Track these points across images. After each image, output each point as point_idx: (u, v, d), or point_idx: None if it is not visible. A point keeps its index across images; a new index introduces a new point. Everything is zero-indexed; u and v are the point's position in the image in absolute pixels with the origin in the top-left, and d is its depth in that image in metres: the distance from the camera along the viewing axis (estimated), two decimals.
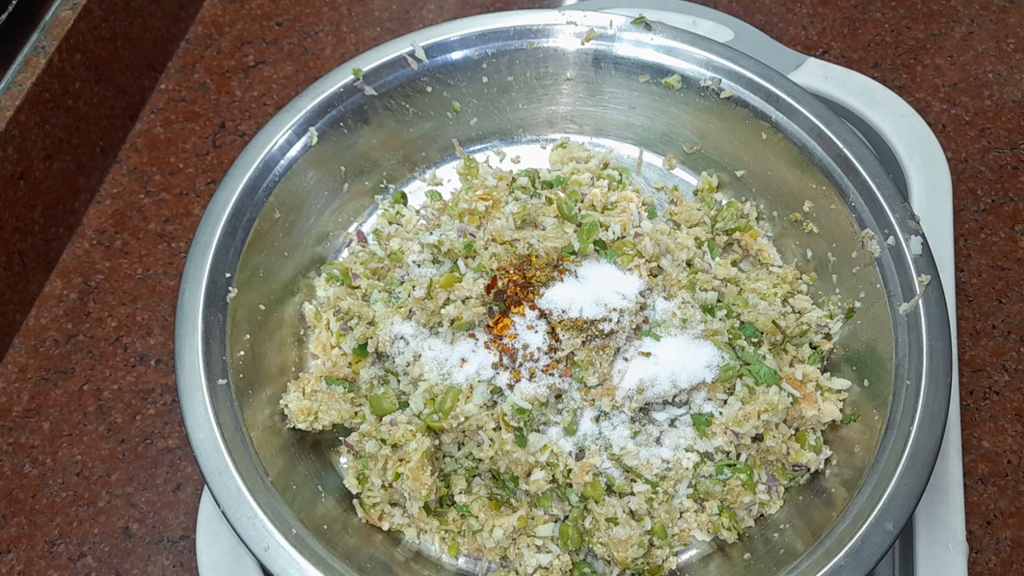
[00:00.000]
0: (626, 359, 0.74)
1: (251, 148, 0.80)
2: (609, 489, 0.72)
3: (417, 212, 0.89)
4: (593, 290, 0.75)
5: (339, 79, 0.84)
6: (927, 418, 0.67)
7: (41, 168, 0.89)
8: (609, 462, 0.73)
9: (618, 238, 0.81)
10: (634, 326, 0.75)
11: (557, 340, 0.73)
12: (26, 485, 0.81)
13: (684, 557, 0.73)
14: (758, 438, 0.74)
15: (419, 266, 0.83)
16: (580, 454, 0.73)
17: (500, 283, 0.75)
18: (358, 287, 0.83)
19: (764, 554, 0.70)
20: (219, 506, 0.65)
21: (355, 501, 0.73)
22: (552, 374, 0.72)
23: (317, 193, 0.85)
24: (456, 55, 0.87)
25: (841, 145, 0.80)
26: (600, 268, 0.77)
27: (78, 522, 0.80)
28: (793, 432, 0.75)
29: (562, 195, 0.85)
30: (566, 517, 0.73)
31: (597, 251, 0.79)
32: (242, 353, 0.74)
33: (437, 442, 0.74)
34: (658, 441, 0.73)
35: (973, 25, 1.10)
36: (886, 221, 0.76)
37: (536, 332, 0.73)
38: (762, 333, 0.78)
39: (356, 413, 0.76)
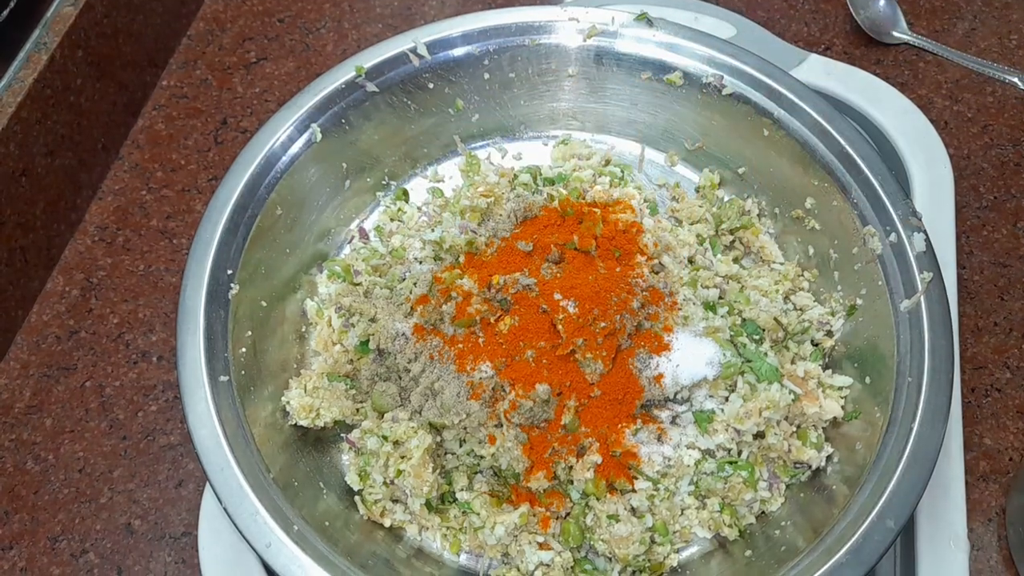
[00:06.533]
0: (628, 357, 0.74)
1: (253, 145, 0.80)
2: (611, 486, 0.72)
3: (419, 209, 0.89)
4: None
5: (341, 75, 0.84)
6: (929, 415, 0.67)
7: (43, 164, 0.89)
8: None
9: None
10: (635, 324, 0.75)
11: (559, 337, 0.73)
12: (28, 481, 0.82)
13: (685, 554, 0.73)
14: (759, 435, 0.74)
15: (420, 263, 0.83)
16: (581, 451, 0.73)
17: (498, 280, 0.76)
18: (360, 284, 0.83)
19: (765, 551, 0.70)
20: (221, 503, 0.65)
21: (357, 498, 0.73)
22: (554, 371, 0.73)
23: (319, 190, 0.85)
24: (458, 51, 0.87)
25: (843, 142, 0.80)
26: None
27: (80, 518, 0.80)
28: (794, 429, 0.75)
29: (564, 192, 0.85)
30: (567, 514, 0.73)
31: (599, 248, 0.79)
32: (244, 350, 0.74)
33: (438, 439, 0.74)
34: (659, 438, 0.73)
35: (976, 21, 1.09)
36: (888, 218, 0.76)
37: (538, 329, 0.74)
38: (764, 330, 0.78)
39: (358, 410, 0.76)
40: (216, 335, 0.72)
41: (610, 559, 0.72)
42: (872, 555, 0.62)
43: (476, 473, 0.74)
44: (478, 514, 0.71)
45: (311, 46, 1.10)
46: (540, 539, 0.71)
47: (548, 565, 0.70)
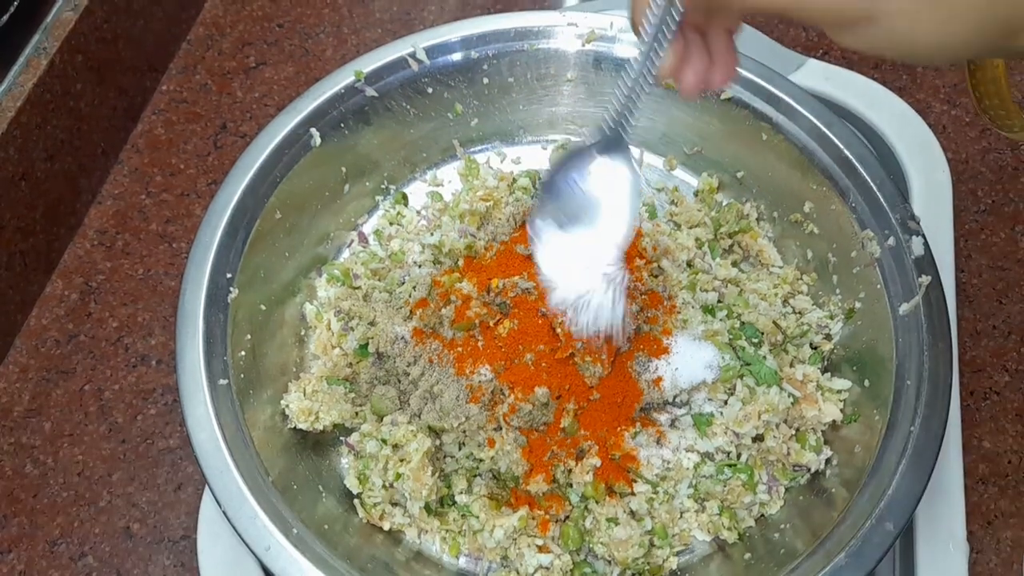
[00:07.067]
0: (627, 361, 0.74)
1: (252, 149, 0.80)
2: (610, 489, 0.72)
3: (418, 213, 0.89)
4: None
5: (340, 80, 0.84)
6: (928, 418, 0.67)
7: (42, 169, 0.89)
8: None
9: None
10: (634, 327, 0.75)
11: (558, 341, 0.73)
12: (27, 485, 0.81)
13: (685, 557, 0.73)
14: (758, 438, 0.74)
15: (420, 266, 0.83)
16: (580, 454, 0.73)
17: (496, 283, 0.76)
18: (359, 287, 0.83)
19: (764, 554, 0.70)
20: (220, 506, 0.65)
21: (356, 501, 0.73)
22: (553, 374, 0.73)
23: (318, 194, 0.85)
24: (457, 56, 0.87)
25: (841, 146, 0.80)
26: None
27: (79, 522, 0.80)
28: (793, 432, 0.75)
29: None
30: (567, 517, 0.73)
31: None
32: (243, 353, 0.74)
33: (438, 442, 0.74)
34: (658, 441, 0.73)
35: None
36: (886, 222, 0.76)
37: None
38: (762, 333, 0.78)
39: (357, 413, 0.76)
40: (215, 339, 0.72)
41: (609, 562, 0.71)
42: (871, 558, 0.62)
43: (475, 476, 0.74)
44: (477, 517, 0.71)
45: (310, 51, 1.10)
46: (539, 542, 0.71)
47: (547, 568, 0.70)
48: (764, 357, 0.76)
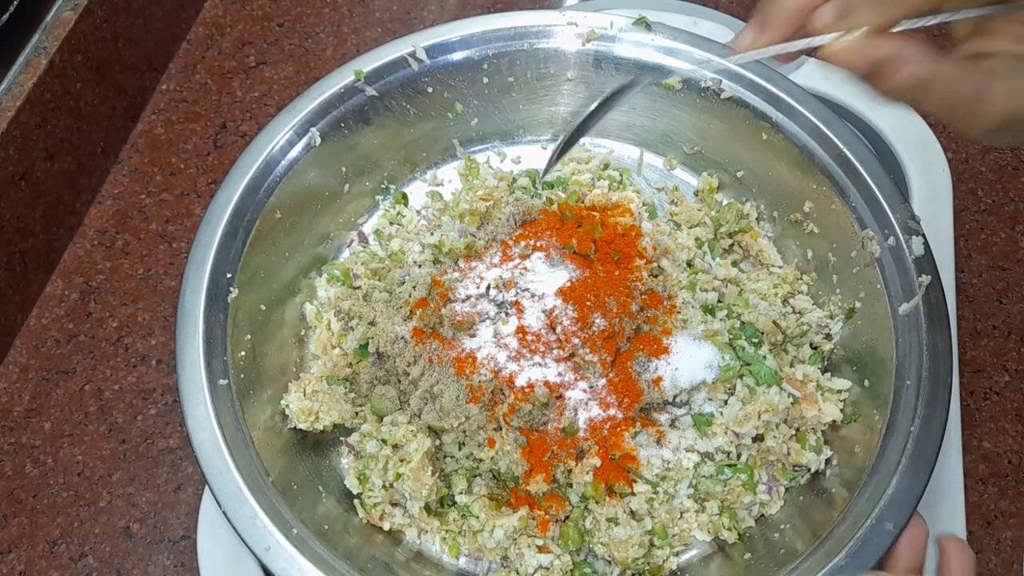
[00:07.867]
0: (627, 360, 0.74)
1: (252, 149, 0.80)
2: (610, 489, 0.72)
3: (418, 212, 0.89)
4: None
5: (340, 80, 0.84)
6: (927, 419, 0.67)
7: (42, 168, 0.89)
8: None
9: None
10: (634, 327, 0.75)
11: (559, 341, 0.73)
12: (27, 485, 0.82)
13: (684, 557, 0.73)
14: (758, 438, 0.74)
15: (420, 266, 0.83)
16: (580, 454, 0.73)
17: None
18: (359, 287, 0.83)
19: (764, 554, 0.70)
20: (220, 506, 0.65)
21: (356, 501, 0.73)
22: (556, 368, 0.73)
23: (318, 193, 0.85)
24: (457, 56, 0.87)
25: (841, 145, 0.80)
26: None
27: (79, 522, 0.80)
28: (793, 432, 0.75)
29: (563, 195, 0.85)
30: (567, 517, 0.73)
31: (597, 251, 0.79)
32: (243, 353, 0.74)
33: (438, 442, 0.74)
34: (658, 441, 0.73)
35: None
36: (886, 221, 0.76)
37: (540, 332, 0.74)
38: (762, 333, 0.78)
39: (357, 413, 0.76)
40: (215, 339, 0.72)
41: (609, 562, 0.72)
42: (871, 558, 0.62)
43: (475, 476, 0.74)
44: (477, 517, 0.71)
45: (310, 50, 1.10)
46: (539, 542, 0.71)
47: (547, 568, 0.70)
48: (764, 357, 0.76)
